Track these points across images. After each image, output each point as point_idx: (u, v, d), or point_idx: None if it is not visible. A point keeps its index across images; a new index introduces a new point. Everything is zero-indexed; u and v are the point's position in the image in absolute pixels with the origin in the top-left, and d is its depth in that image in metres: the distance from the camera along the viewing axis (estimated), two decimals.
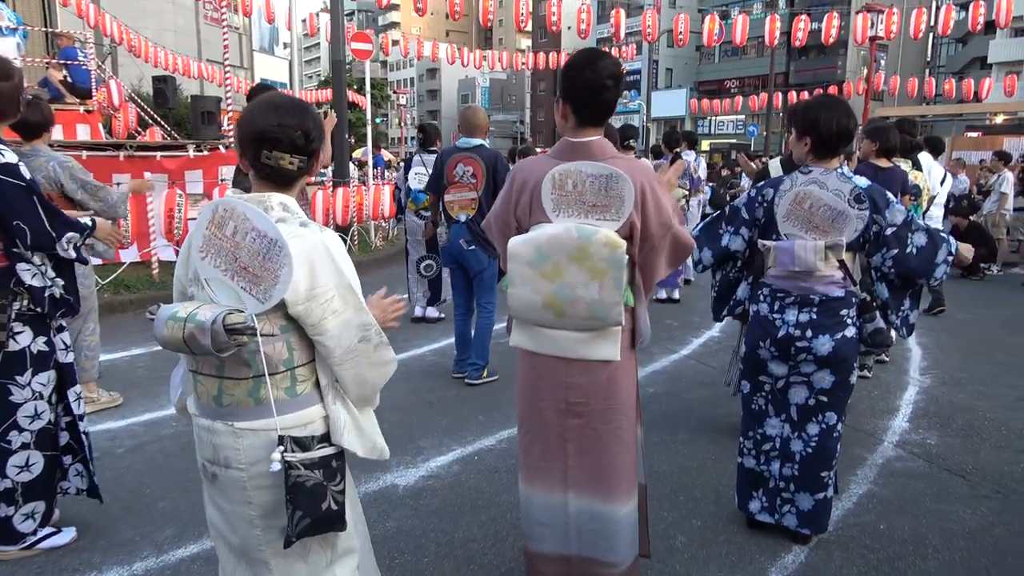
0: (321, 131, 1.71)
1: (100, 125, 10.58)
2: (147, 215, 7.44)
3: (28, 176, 2.62)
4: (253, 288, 1.58)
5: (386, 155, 16.33)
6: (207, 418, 1.69)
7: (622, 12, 16.37)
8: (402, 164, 6.70)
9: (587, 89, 2.22)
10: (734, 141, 35.72)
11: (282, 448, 1.59)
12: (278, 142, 1.62)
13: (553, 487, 2.39)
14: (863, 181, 2.78)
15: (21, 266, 2.64)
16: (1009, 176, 10.72)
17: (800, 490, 2.91)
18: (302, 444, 1.63)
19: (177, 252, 7.81)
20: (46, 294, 2.71)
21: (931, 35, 34.57)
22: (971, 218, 10.34)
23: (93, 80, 10.81)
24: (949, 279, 9.89)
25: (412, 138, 57.67)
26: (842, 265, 2.77)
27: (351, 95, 20.27)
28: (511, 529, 3.05)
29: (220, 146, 8.99)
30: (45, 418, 2.77)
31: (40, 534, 2.82)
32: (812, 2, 36.91)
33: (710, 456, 3.79)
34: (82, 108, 9.89)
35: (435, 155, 6.47)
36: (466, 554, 2.87)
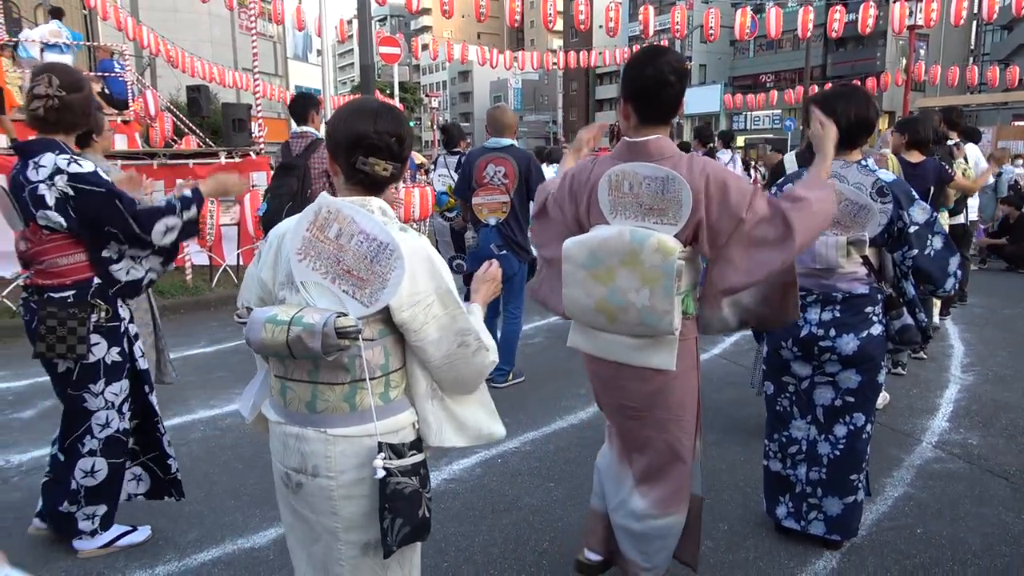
0: (412, 137, 1.70)
1: (137, 135, 10.82)
2: None
3: (108, 180, 2.67)
4: (357, 292, 1.56)
5: (418, 158, 16.38)
6: (297, 425, 1.64)
7: (651, 9, 16.21)
8: (432, 166, 6.71)
9: (649, 86, 2.14)
10: (770, 136, 35.06)
11: (382, 455, 1.55)
12: (376, 149, 1.61)
13: (626, 475, 2.40)
14: (887, 175, 2.68)
15: (113, 267, 2.71)
16: None
17: (828, 495, 2.81)
18: (397, 451, 1.59)
19: (210, 258, 7.98)
20: (144, 283, 2.83)
21: (974, 22, 33.55)
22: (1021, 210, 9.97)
23: (130, 91, 11.07)
24: (995, 273, 9.60)
25: (441, 141, 58.15)
26: (866, 261, 2.68)
27: (382, 99, 20.44)
28: (532, 533, 3.01)
29: (251, 152, 9.11)
30: (114, 427, 2.82)
31: (117, 532, 2.91)
32: None
33: (739, 458, 3.70)
34: (119, 119, 10.12)
35: (458, 156, 6.44)
36: (485, 558, 2.84)
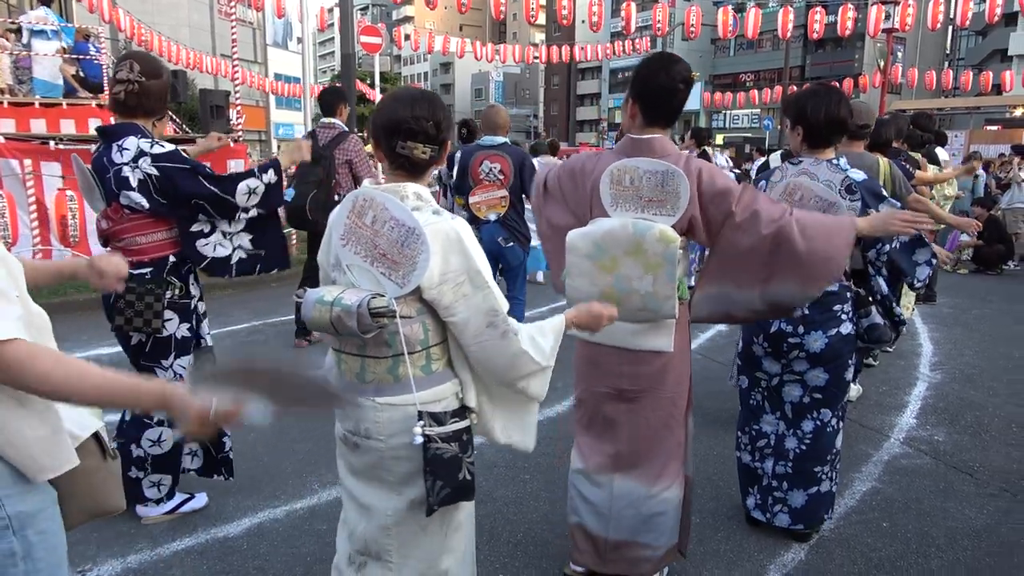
0: (450, 121, 1.81)
1: (112, 119, 10.63)
2: None
3: (188, 156, 2.85)
4: (392, 273, 1.68)
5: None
6: (351, 393, 1.79)
7: (633, 5, 16.24)
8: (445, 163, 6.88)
9: (660, 91, 2.27)
10: (749, 135, 35.34)
11: (422, 423, 1.68)
12: (413, 133, 1.71)
13: (601, 469, 2.49)
14: (857, 174, 2.72)
15: (200, 243, 2.88)
16: None
17: (793, 488, 2.87)
18: (438, 419, 1.72)
19: None
20: (232, 262, 2.96)
21: (950, 27, 34.06)
22: (989, 212, 10.17)
23: (105, 75, 10.87)
24: (963, 275, 9.76)
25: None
26: None
27: (363, 89, 20.26)
28: (506, 525, 3.03)
29: (229, 140, 9.01)
30: None
31: (179, 499, 3.08)
32: None
33: (712, 452, 3.75)
34: (94, 103, 9.94)
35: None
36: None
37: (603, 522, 2.49)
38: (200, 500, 3.14)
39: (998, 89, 20.78)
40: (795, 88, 25.49)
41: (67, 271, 1.86)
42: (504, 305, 1.74)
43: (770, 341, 2.81)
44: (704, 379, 4.97)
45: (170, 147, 2.77)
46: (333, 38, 68.24)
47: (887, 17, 16.34)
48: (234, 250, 2.95)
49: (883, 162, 3.98)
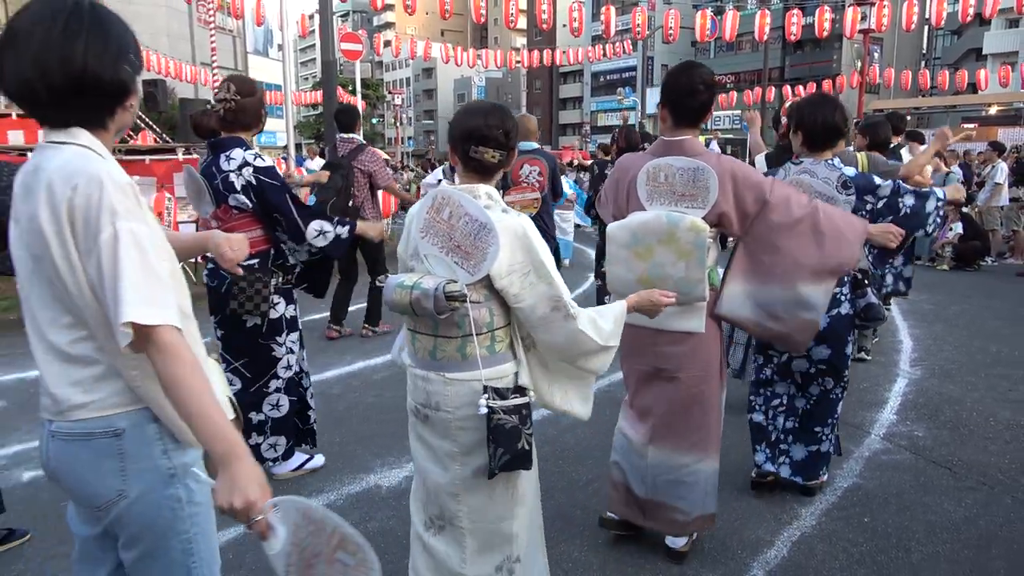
0: (517, 131, 2.03)
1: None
2: None
3: (282, 176, 3.32)
4: (465, 263, 1.88)
5: (381, 154, 16.37)
6: (423, 369, 2.01)
7: (612, 9, 16.33)
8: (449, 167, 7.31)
9: (683, 93, 2.55)
10: (731, 136, 35.62)
11: (486, 396, 1.86)
12: (484, 139, 1.93)
13: (638, 437, 2.77)
14: (850, 171, 3.05)
15: (283, 245, 3.34)
16: (1003, 167, 10.68)
17: (796, 442, 3.26)
18: (501, 393, 1.90)
19: None
20: (296, 271, 3.44)
21: (926, 27, 34.50)
22: (963, 210, 10.30)
23: None
24: (942, 271, 9.88)
25: (409, 138, 57.59)
26: None
27: (344, 96, 20.23)
28: (560, 475, 3.18)
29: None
30: (293, 368, 3.46)
31: (301, 459, 3.59)
32: None
33: None
34: None
35: None
36: None
37: (639, 483, 2.77)
38: (319, 460, 3.64)
39: (973, 88, 21.06)
40: (774, 89, 25.72)
41: (199, 245, 2.03)
42: (566, 292, 1.94)
43: None
44: None
45: (269, 162, 3.25)
46: (314, 45, 67.99)
47: (863, 18, 16.55)
48: (296, 264, 3.42)
49: (860, 155, 4.42)
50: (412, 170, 21.46)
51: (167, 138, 12.19)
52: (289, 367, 3.42)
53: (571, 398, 2.13)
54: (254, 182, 3.17)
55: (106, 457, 1.42)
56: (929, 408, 4.47)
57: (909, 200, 3.00)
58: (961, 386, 4.89)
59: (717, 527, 3.00)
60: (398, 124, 42.12)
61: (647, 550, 2.86)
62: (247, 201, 3.19)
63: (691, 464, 2.68)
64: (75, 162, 1.34)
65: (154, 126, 12.94)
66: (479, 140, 1.93)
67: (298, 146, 14.49)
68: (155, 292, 1.32)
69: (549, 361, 2.08)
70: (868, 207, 2.99)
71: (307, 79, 70.23)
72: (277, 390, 3.38)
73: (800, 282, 2.57)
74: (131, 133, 12.32)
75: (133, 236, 1.31)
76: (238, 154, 3.20)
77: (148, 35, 22.12)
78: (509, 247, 1.87)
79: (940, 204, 3.01)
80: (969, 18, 15.69)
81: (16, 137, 8.47)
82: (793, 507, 3.22)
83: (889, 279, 3.25)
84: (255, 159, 3.20)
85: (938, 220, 3.04)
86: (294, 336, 3.44)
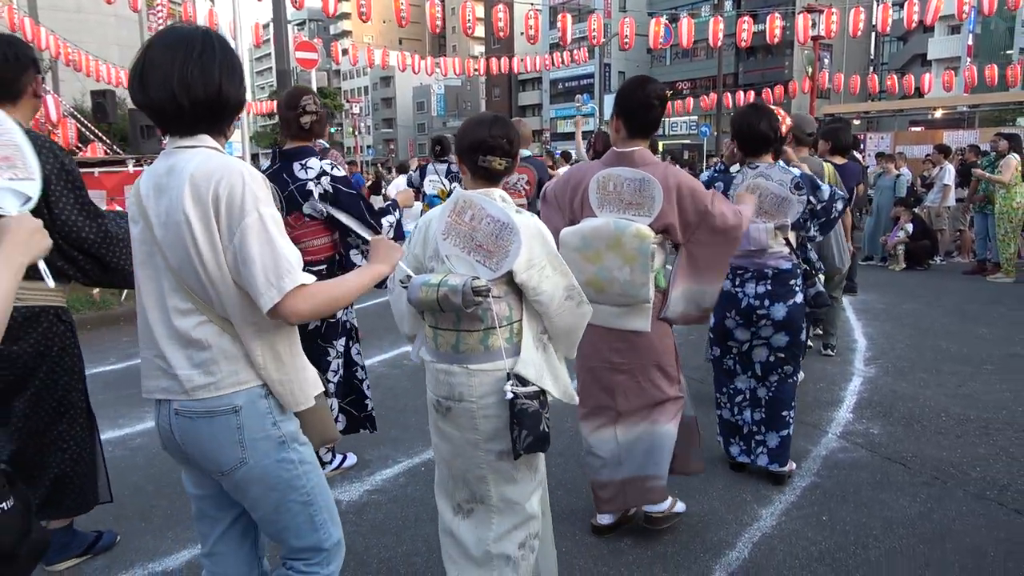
0: (519, 139, 2.19)
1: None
2: None
3: (355, 183, 3.49)
4: (487, 260, 2.03)
5: (341, 157, 16.26)
6: (445, 363, 2.12)
7: (568, 17, 16.45)
8: (418, 171, 7.37)
9: (638, 107, 2.72)
10: (688, 142, 36.13)
11: (511, 382, 2.01)
12: (491, 148, 2.09)
13: (604, 426, 2.91)
14: (798, 170, 3.30)
15: (353, 252, 3.46)
16: (950, 168, 10.97)
17: (769, 430, 3.44)
18: (522, 380, 2.04)
19: None
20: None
21: (873, 33, 35.47)
22: (914, 210, 10.57)
23: None
24: (894, 271, 10.08)
25: (368, 147, 57.18)
26: (787, 242, 3.30)
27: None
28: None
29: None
30: (341, 372, 3.57)
31: (338, 460, 3.71)
32: (758, 3, 37.60)
33: None
34: None
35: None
36: (409, 569, 2.82)
37: (614, 467, 2.89)
38: (352, 459, 3.77)
39: (919, 92, 21.66)
40: (729, 95, 26.19)
41: None
42: (575, 281, 2.14)
43: (742, 315, 3.36)
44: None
45: (344, 172, 3.41)
46: (269, 54, 67.22)
47: (813, 25, 16.92)
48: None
49: (827, 167, 4.76)
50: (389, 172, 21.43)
51: (117, 149, 11.91)
52: (338, 371, 3.54)
53: (565, 378, 2.28)
54: (331, 190, 3.29)
55: (227, 431, 1.65)
56: (884, 406, 4.56)
57: (839, 206, 3.47)
58: (913, 383, 5.00)
59: (679, 531, 3.02)
60: (356, 133, 41.89)
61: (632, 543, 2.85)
62: (323, 209, 3.31)
63: (657, 429, 2.85)
64: (214, 159, 1.58)
65: (104, 137, 12.64)
66: (487, 150, 2.09)
67: (255, 156, 14.26)
68: (296, 260, 1.58)
69: (549, 349, 2.22)
70: (810, 207, 3.32)
71: (263, 88, 69.38)
72: (325, 394, 3.37)
73: (718, 282, 2.87)
74: (80, 145, 12.03)
75: (274, 219, 1.57)
76: (315, 164, 3.32)
77: (97, 45, 21.61)
78: (528, 243, 2.02)
79: (836, 193, 3.46)
80: (914, 24, 16.16)
81: None
82: (753, 507, 3.25)
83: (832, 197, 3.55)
84: (333, 168, 3.35)
85: (842, 199, 3.51)
86: (343, 340, 3.56)
